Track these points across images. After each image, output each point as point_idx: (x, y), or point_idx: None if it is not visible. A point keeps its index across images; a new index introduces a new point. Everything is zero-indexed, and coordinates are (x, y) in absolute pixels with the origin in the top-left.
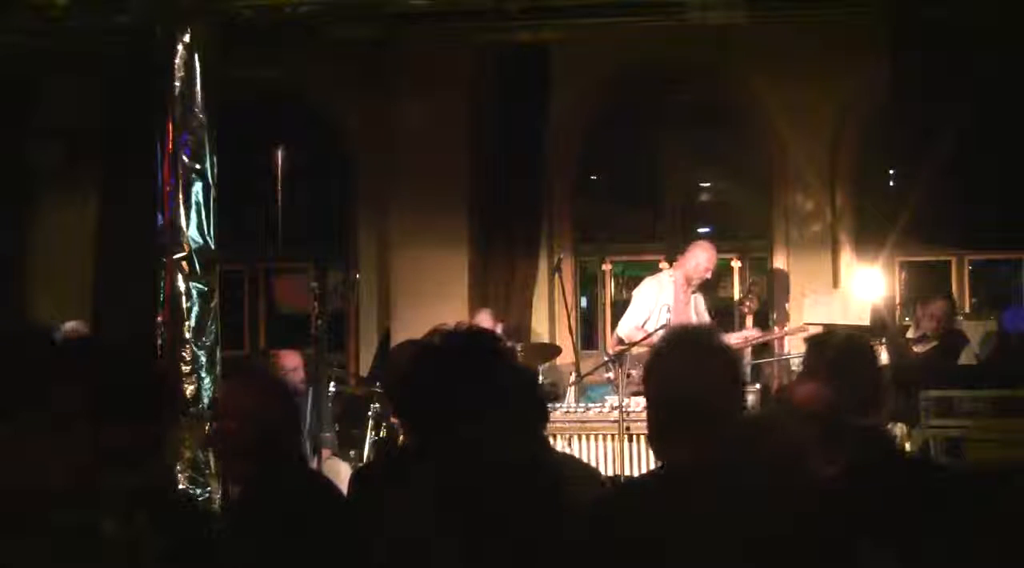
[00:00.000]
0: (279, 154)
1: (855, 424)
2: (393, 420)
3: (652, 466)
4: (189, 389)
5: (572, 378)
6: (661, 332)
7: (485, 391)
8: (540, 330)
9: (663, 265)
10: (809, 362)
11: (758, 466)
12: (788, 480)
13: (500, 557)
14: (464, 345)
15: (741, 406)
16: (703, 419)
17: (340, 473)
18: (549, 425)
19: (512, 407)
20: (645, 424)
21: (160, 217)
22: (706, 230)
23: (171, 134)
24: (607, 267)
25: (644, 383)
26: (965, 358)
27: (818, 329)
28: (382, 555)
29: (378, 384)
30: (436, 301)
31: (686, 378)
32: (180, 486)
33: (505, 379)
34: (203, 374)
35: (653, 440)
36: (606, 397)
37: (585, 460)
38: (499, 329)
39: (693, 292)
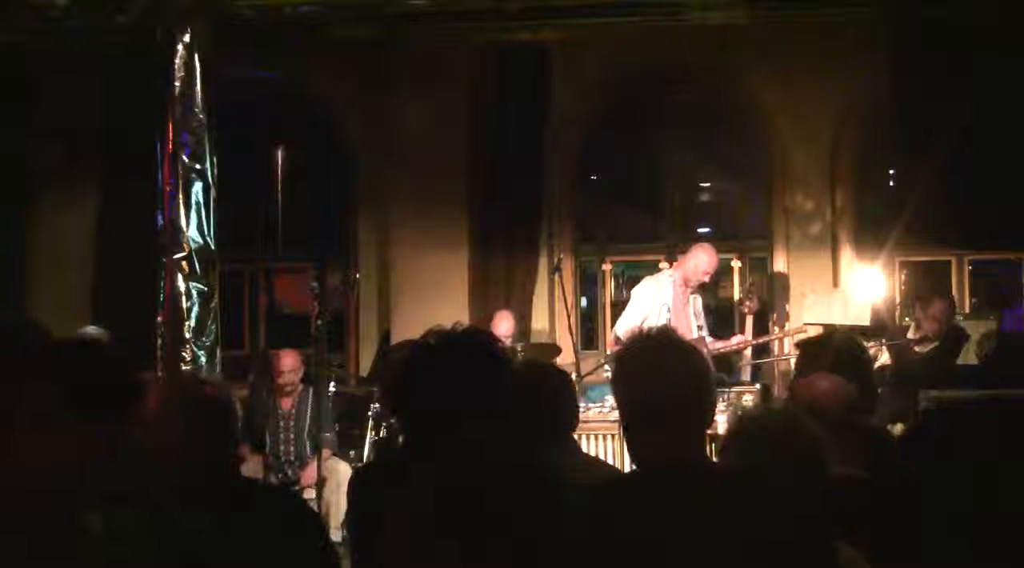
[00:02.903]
0: (279, 154)
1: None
2: (393, 420)
3: None
4: None
5: (572, 378)
6: None
7: (480, 391)
8: (540, 330)
9: (663, 265)
10: (805, 364)
11: (738, 467)
12: (797, 481)
13: (500, 558)
14: (459, 346)
15: (709, 407)
16: (669, 421)
17: (340, 473)
18: None
19: (531, 410)
20: None
21: (160, 217)
22: (706, 230)
23: (171, 134)
24: (607, 267)
25: (613, 386)
26: (964, 356)
27: (818, 329)
28: (382, 555)
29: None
30: (436, 301)
31: (649, 380)
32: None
33: (500, 379)
34: (205, 372)
35: (626, 441)
36: (606, 397)
37: None
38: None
39: (692, 293)
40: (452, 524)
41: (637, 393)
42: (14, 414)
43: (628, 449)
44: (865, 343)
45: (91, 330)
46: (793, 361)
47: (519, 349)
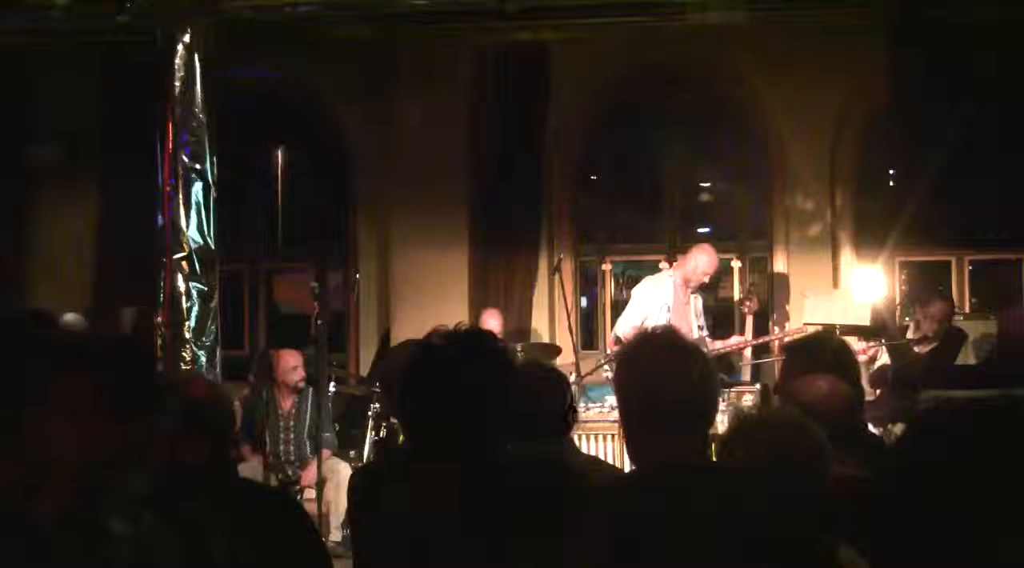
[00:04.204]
0: (279, 154)
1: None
2: (393, 420)
3: None
4: None
5: (572, 378)
6: None
7: (484, 391)
8: (540, 330)
9: (663, 265)
10: (795, 366)
11: (739, 467)
12: (797, 481)
13: (517, 556)
14: (463, 345)
15: (713, 407)
16: (673, 421)
17: (340, 473)
18: None
19: (528, 410)
20: None
21: (160, 217)
22: (706, 230)
23: (171, 134)
24: (607, 267)
25: (615, 385)
26: (963, 357)
27: (818, 329)
28: (382, 555)
29: (377, 385)
30: (436, 301)
31: (654, 379)
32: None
33: (506, 380)
34: (203, 374)
35: (626, 441)
36: (606, 397)
37: None
38: (498, 328)
39: (692, 293)
40: (479, 524)
41: (639, 393)
42: (49, 408)
43: (628, 449)
44: (864, 343)
45: (69, 317)
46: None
47: (519, 349)
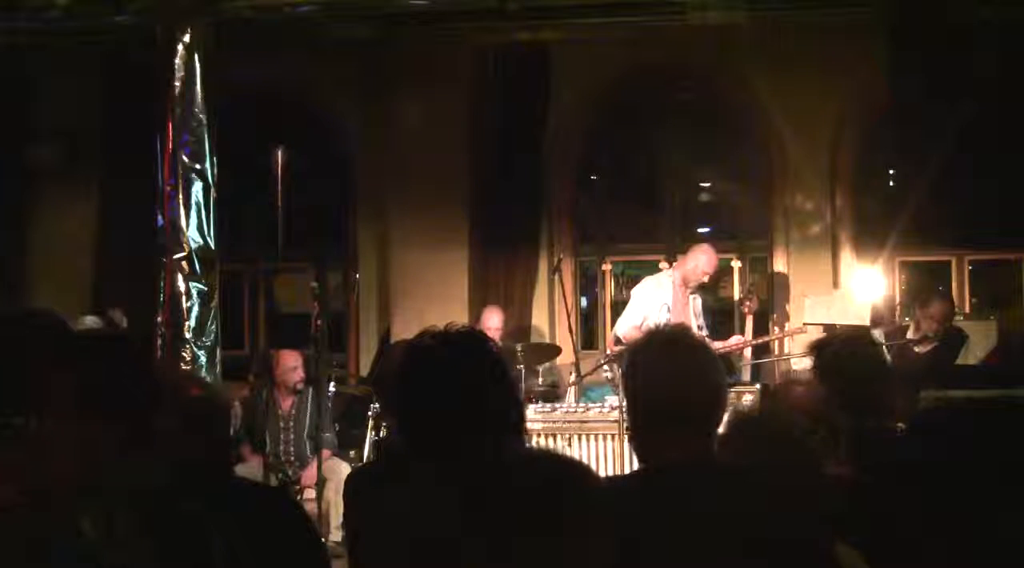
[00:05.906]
0: (279, 154)
1: (857, 426)
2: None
3: None
4: None
5: (572, 378)
6: None
7: (478, 390)
8: (540, 330)
9: (663, 265)
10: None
11: (743, 466)
12: (797, 481)
13: (517, 556)
14: (455, 345)
15: (723, 406)
16: (683, 419)
17: (340, 473)
18: (550, 425)
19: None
20: None
21: (160, 217)
22: (706, 230)
23: (171, 134)
24: (607, 267)
25: (624, 383)
26: (963, 357)
27: (817, 329)
28: (380, 555)
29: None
30: (436, 301)
31: (666, 378)
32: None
33: (500, 377)
34: (203, 374)
35: (633, 440)
36: (606, 397)
37: (585, 460)
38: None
39: (691, 293)
40: (478, 524)
41: (648, 391)
42: (42, 407)
43: (634, 447)
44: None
45: (89, 320)
46: (793, 361)
47: (519, 349)
